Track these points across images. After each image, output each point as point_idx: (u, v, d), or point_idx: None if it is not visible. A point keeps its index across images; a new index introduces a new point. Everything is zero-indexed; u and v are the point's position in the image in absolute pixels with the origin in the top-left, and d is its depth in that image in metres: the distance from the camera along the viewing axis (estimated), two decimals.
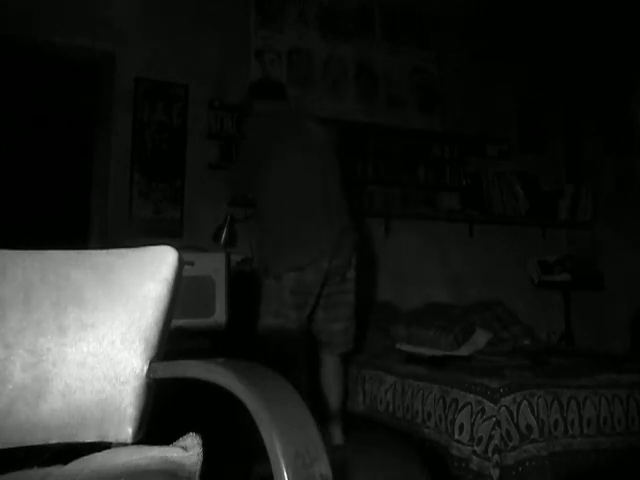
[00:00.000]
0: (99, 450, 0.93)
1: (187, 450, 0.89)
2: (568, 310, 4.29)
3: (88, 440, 0.98)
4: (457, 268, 4.14)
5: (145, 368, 1.00)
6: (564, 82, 4.58)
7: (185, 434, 0.93)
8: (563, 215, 4.37)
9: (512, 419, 2.08)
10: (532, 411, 2.13)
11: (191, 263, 2.34)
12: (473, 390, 2.21)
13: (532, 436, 2.10)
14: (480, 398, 2.16)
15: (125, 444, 0.97)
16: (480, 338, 3.27)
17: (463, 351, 3.10)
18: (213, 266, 2.51)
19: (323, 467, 0.61)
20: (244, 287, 2.77)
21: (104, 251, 1.12)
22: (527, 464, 2.05)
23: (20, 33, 3.26)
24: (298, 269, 2.47)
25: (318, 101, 3.89)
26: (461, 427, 2.19)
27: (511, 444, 2.05)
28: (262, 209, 2.64)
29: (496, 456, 2.01)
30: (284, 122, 2.69)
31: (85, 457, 0.92)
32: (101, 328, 1.03)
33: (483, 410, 2.12)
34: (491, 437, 2.04)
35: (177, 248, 1.09)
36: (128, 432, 0.98)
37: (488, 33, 4.42)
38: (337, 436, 2.53)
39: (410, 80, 4.22)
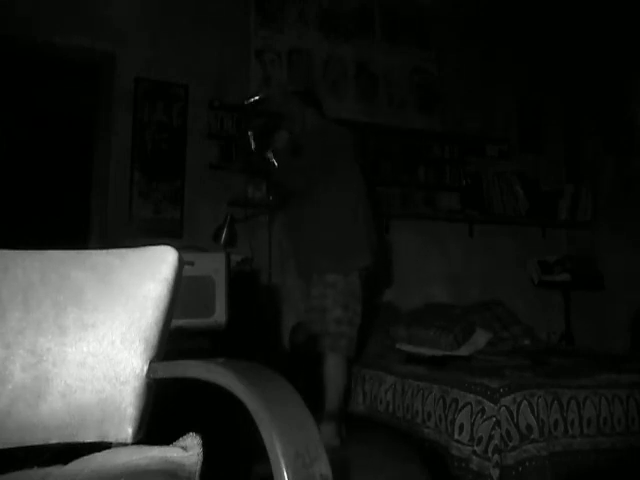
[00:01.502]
0: (99, 450, 0.93)
1: (187, 450, 0.89)
2: (568, 310, 4.29)
3: (88, 440, 0.98)
4: (457, 268, 4.14)
5: (145, 368, 1.00)
6: (564, 82, 4.58)
7: (185, 434, 0.93)
8: (563, 215, 4.37)
9: (512, 419, 2.08)
10: (532, 411, 2.13)
11: (191, 263, 2.34)
12: (473, 390, 2.21)
13: (532, 436, 2.10)
14: (480, 398, 2.16)
15: (125, 444, 0.97)
16: (480, 338, 3.27)
17: (463, 351, 3.10)
18: (213, 266, 2.50)
19: (323, 467, 0.61)
20: (244, 287, 2.78)
21: (104, 251, 1.12)
22: (527, 464, 2.05)
23: (20, 33, 3.26)
24: (366, 269, 2.73)
25: None
26: (461, 427, 2.19)
27: (511, 444, 2.05)
28: (328, 211, 2.73)
29: (496, 456, 2.01)
30: (343, 137, 2.88)
31: (85, 457, 0.92)
32: (101, 328, 1.03)
33: (483, 410, 2.12)
34: (491, 437, 2.04)
35: (177, 248, 1.09)
36: (128, 432, 0.98)
37: (488, 33, 4.42)
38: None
39: (410, 80, 4.21)
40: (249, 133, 3.48)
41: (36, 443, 0.98)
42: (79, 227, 3.45)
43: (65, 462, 0.92)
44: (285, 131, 2.94)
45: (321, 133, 2.86)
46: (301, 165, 2.79)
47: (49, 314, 1.03)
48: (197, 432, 0.93)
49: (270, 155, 2.92)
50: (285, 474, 0.59)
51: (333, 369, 2.64)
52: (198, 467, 0.86)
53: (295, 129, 2.93)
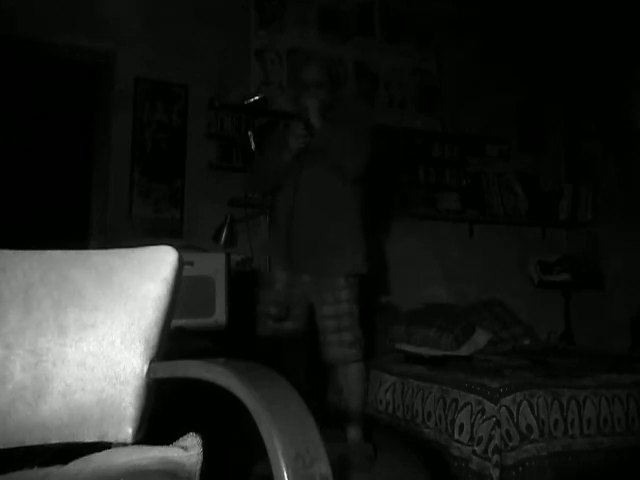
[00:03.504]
0: (99, 450, 0.93)
1: (187, 450, 0.89)
2: (568, 310, 4.29)
3: (88, 440, 0.98)
4: (457, 268, 4.14)
5: (145, 368, 1.00)
6: (564, 82, 4.58)
7: (185, 434, 0.93)
8: (563, 215, 4.37)
9: (512, 419, 2.08)
10: (532, 411, 2.13)
11: (191, 263, 2.34)
12: (473, 390, 2.21)
13: (532, 436, 2.10)
14: (480, 398, 2.16)
15: (125, 444, 0.97)
16: (480, 338, 3.27)
17: (463, 351, 3.10)
18: (213, 266, 2.51)
19: (323, 467, 0.61)
20: (244, 287, 2.77)
21: (104, 251, 1.12)
22: (527, 464, 2.05)
23: (21, 33, 3.26)
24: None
25: None
26: (461, 427, 2.19)
27: (511, 444, 2.05)
28: (351, 206, 2.57)
29: (496, 456, 2.01)
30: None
31: (85, 457, 0.92)
32: (101, 328, 1.03)
33: (483, 410, 2.12)
34: (491, 437, 2.04)
35: (177, 248, 1.09)
36: (128, 432, 0.98)
37: (488, 33, 4.42)
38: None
39: (410, 80, 4.21)
40: (249, 133, 3.48)
41: (36, 443, 0.98)
42: (79, 227, 3.45)
43: (65, 462, 0.92)
44: (314, 99, 2.48)
45: (357, 112, 2.69)
46: (359, 144, 2.48)
47: (49, 314, 1.03)
48: (197, 432, 0.93)
49: (302, 125, 2.46)
50: (285, 474, 0.59)
51: (361, 374, 2.58)
52: (198, 467, 0.86)
53: (325, 100, 2.54)
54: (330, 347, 2.51)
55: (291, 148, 2.45)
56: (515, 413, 2.09)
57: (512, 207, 4.28)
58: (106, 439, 0.98)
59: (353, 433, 2.52)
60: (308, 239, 2.49)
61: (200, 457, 0.87)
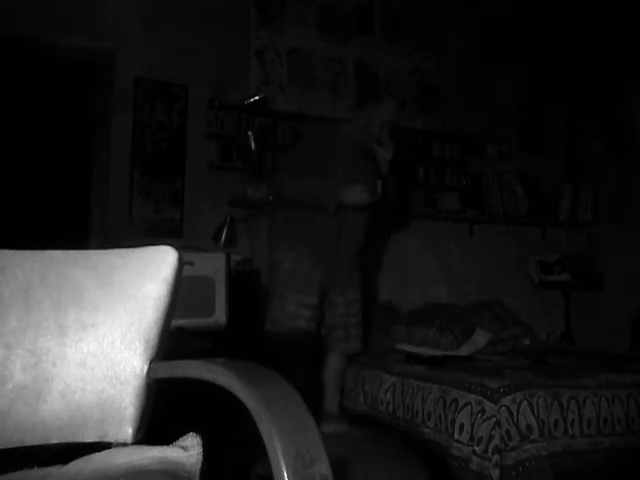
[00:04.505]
0: (99, 450, 0.93)
1: (187, 450, 0.89)
2: (568, 310, 4.29)
3: (88, 440, 0.98)
4: (457, 268, 4.14)
5: (145, 368, 1.00)
6: (564, 82, 4.58)
7: (185, 434, 0.93)
8: (563, 215, 4.37)
9: (512, 419, 2.08)
10: (532, 411, 2.13)
11: (191, 263, 2.34)
12: (473, 390, 2.21)
13: (532, 436, 2.10)
14: (480, 398, 2.16)
15: (125, 444, 0.97)
16: (480, 338, 3.27)
17: (463, 351, 3.10)
18: (213, 266, 2.51)
19: (323, 467, 0.61)
20: (244, 287, 2.78)
21: (104, 251, 1.12)
22: (527, 464, 2.05)
23: (21, 33, 3.26)
24: None
25: (318, 101, 3.89)
26: (461, 427, 2.19)
27: (511, 444, 2.05)
28: None
29: (496, 456, 2.01)
30: None
31: (85, 457, 0.92)
32: (101, 328, 1.03)
33: (483, 410, 2.12)
34: (491, 437, 2.04)
35: (177, 248, 1.09)
36: (128, 432, 0.98)
37: (488, 33, 4.42)
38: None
39: (410, 80, 4.21)
40: (249, 133, 3.49)
41: (36, 443, 0.98)
42: (79, 227, 3.45)
43: (65, 462, 0.92)
44: (391, 149, 2.87)
45: None
46: None
47: (49, 314, 1.03)
48: (197, 432, 0.93)
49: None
50: (285, 474, 0.59)
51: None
52: (198, 467, 0.86)
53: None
54: (352, 340, 2.76)
55: (352, 202, 2.57)
56: (515, 413, 2.09)
57: (512, 207, 4.28)
58: (106, 439, 0.98)
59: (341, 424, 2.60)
60: (349, 259, 2.76)
61: (200, 457, 0.88)
